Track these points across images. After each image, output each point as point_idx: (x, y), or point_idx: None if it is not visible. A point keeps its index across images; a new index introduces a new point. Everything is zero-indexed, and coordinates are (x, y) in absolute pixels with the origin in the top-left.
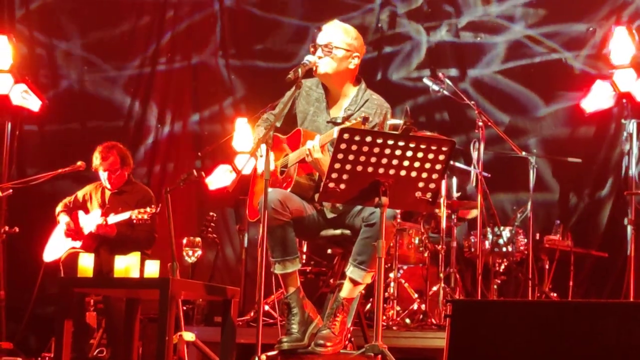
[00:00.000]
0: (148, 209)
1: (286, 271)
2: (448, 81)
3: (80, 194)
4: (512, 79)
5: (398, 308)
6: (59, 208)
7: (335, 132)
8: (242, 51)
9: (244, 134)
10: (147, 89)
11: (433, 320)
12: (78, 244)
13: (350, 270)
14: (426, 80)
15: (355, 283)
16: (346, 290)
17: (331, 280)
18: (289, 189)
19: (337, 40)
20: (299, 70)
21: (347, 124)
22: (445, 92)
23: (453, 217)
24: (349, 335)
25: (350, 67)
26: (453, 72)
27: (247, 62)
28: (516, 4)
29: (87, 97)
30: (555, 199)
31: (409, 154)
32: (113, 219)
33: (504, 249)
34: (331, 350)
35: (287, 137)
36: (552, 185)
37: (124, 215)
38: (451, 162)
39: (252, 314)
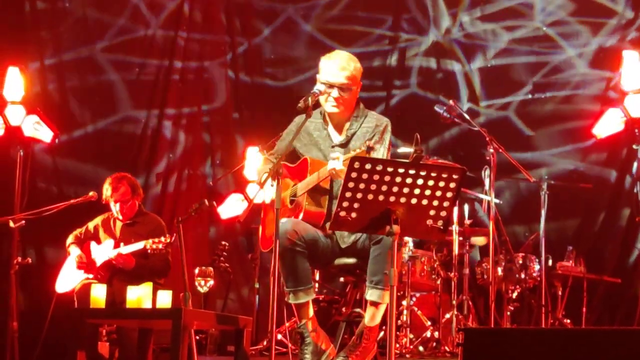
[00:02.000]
0: (162, 239)
1: (299, 301)
2: (462, 111)
3: (91, 225)
4: (527, 108)
5: (411, 336)
6: (69, 240)
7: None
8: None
9: (255, 162)
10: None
11: (446, 348)
12: (90, 275)
13: (369, 293)
14: (437, 108)
15: (376, 305)
16: (369, 315)
17: (343, 309)
18: (299, 218)
19: (352, 82)
20: (309, 99)
21: (352, 153)
22: (464, 125)
23: (466, 243)
24: None
25: (355, 100)
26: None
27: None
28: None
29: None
30: (567, 225)
31: (420, 182)
32: (126, 249)
33: (517, 276)
34: None
35: (292, 167)
36: (564, 211)
37: (138, 245)
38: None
39: (264, 343)
